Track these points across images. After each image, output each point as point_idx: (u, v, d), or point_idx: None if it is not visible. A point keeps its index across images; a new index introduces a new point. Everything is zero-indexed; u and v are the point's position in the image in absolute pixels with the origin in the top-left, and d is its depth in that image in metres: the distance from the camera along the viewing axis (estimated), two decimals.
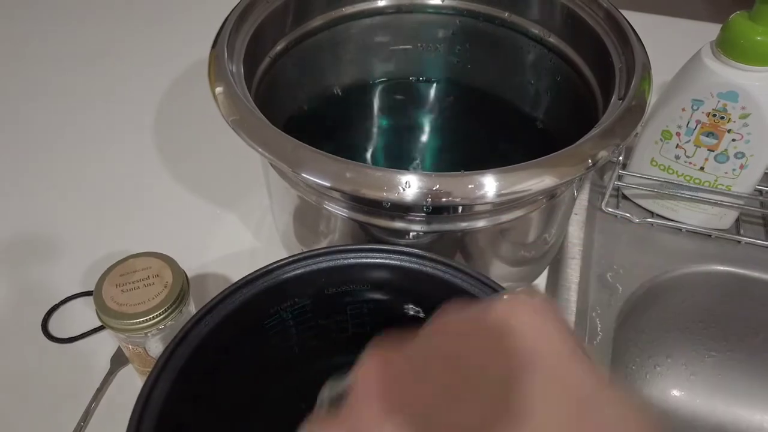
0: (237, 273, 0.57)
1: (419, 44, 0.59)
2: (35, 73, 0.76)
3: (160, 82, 0.75)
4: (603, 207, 0.58)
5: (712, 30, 0.51)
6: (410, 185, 0.34)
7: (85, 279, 0.54)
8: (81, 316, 0.51)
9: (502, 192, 0.35)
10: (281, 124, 0.40)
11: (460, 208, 0.40)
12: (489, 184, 0.35)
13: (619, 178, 0.59)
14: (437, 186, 0.34)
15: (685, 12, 0.82)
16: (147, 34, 0.83)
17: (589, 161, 0.37)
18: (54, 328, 0.51)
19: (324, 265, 0.40)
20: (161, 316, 0.39)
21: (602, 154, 0.38)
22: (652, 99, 0.43)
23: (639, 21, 0.47)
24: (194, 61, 0.77)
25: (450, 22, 0.57)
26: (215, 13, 0.50)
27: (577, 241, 0.57)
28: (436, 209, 0.40)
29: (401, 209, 0.40)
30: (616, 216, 0.58)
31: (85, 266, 0.55)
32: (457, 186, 0.35)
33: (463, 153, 0.62)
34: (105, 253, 0.56)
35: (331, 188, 0.37)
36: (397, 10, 0.56)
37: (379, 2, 0.56)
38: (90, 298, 0.52)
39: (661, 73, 0.49)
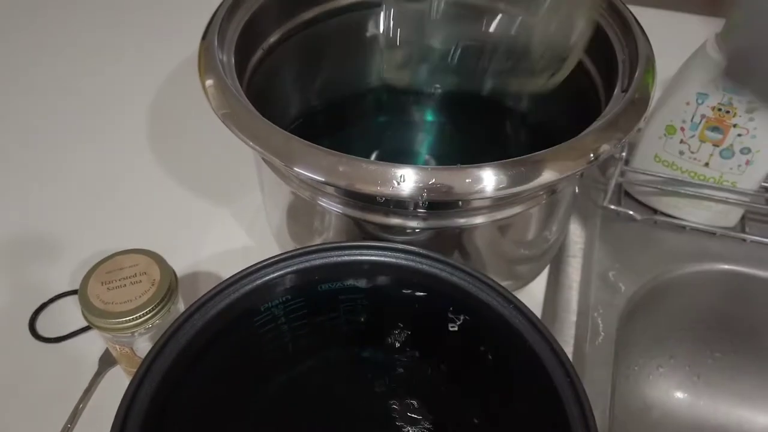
0: (229, 271, 0.54)
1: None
2: (24, 72, 0.75)
3: (151, 78, 0.73)
4: (605, 204, 0.56)
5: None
6: (405, 179, 0.33)
7: (74, 277, 0.53)
8: (70, 315, 0.50)
9: (501, 186, 0.34)
10: (274, 119, 0.39)
11: (458, 204, 0.39)
12: (487, 178, 0.34)
13: (622, 174, 0.57)
14: (433, 180, 0.33)
15: (687, 6, 0.81)
16: (140, 30, 0.81)
17: (591, 155, 0.36)
18: (42, 327, 0.50)
19: (317, 262, 0.39)
20: (148, 315, 0.38)
21: (604, 147, 0.36)
22: (656, 94, 0.41)
23: (641, 15, 0.46)
24: (185, 58, 0.75)
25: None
26: (209, 9, 0.49)
27: (578, 239, 0.55)
28: (432, 204, 0.38)
29: (397, 205, 0.39)
30: (618, 213, 0.57)
31: (75, 264, 0.54)
32: (454, 180, 0.34)
33: (461, 147, 0.61)
34: (95, 251, 0.54)
35: (324, 182, 0.36)
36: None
37: None
38: None
39: (664, 69, 0.47)
